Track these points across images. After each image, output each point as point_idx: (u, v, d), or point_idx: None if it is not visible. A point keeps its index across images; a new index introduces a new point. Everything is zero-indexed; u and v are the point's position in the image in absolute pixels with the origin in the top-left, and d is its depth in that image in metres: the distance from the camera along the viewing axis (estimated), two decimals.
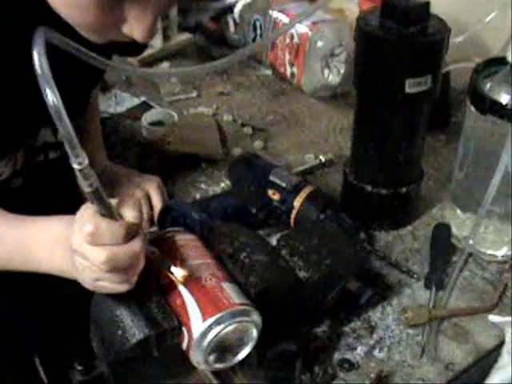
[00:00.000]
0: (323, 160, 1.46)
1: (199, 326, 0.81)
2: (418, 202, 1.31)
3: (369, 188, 1.23)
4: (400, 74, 1.08)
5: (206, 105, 1.68)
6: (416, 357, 1.07)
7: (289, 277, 0.96)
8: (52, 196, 1.16)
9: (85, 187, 0.71)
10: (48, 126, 1.04)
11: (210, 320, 0.81)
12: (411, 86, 1.08)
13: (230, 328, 0.82)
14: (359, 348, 1.08)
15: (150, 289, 0.85)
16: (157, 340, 0.81)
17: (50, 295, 1.07)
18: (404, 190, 1.24)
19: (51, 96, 0.63)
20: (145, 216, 1.23)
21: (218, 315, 0.81)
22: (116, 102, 1.66)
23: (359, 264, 1.06)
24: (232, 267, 0.91)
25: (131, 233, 0.78)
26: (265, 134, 1.57)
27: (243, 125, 1.59)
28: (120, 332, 0.82)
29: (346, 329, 1.11)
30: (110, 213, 0.77)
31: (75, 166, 0.67)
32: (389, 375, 1.04)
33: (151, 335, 0.81)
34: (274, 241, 1.22)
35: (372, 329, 1.11)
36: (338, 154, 1.50)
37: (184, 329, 0.83)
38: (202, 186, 1.40)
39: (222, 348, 0.84)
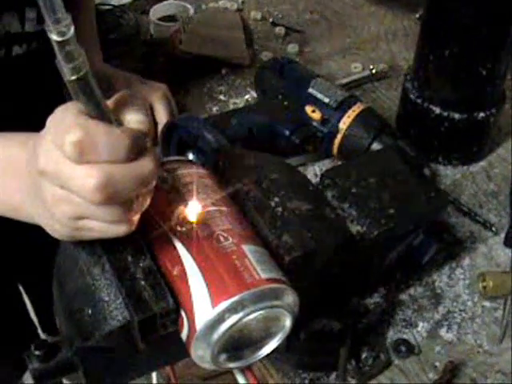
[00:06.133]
0: (374, 71, 1.24)
1: (206, 312, 0.54)
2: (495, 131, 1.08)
3: (437, 110, 1.01)
4: None
5: None
6: (495, 340, 0.82)
7: (338, 233, 0.68)
8: (14, 105, 0.91)
9: (67, 73, 0.47)
10: (13, 9, 0.84)
11: (223, 305, 0.53)
12: None
13: (251, 317, 0.54)
14: (420, 325, 0.83)
15: (137, 246, 0.58)
16: (142, 328, 0.55)
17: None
18: (482, 115, 1.01)
19: None
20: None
21: (234, 299, 0.53)
22: None
23: (433, 215, 0.78)
24: (258, 219, 0.63)
25: (138, 146, 0.52)
26: (301, 36, 1.38)
27: (274, 24, 1.40)
28: (90, 311, 0.56)
29: (404, 297, 0.85)
30: (104, 116, 0.51)
31: (54, 37, 0.46)
32: (459, 365, 0.78)
33: (134, 321, 0.54)
34: (310, 174, 0.97)
35: (437, 298, 0.86)
36: (392, 65, 1.28)
37: (183, 313, 0.55)
38: (221, 97, 1.20)
39: (239, 343, 0.57)
